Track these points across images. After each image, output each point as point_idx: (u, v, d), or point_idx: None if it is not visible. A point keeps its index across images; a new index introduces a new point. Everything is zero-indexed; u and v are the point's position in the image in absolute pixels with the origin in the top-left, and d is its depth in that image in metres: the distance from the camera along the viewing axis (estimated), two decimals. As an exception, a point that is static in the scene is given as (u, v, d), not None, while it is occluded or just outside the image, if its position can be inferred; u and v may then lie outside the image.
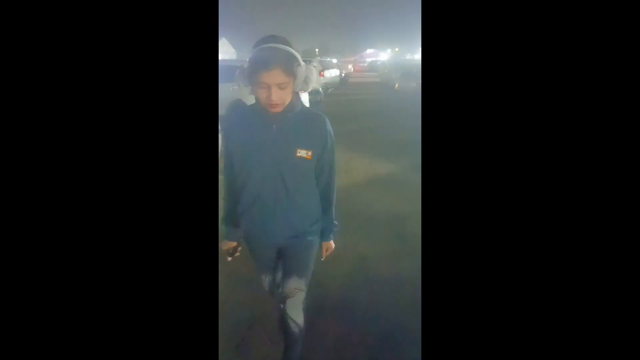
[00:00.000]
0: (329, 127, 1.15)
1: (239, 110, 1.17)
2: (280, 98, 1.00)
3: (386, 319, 1.79)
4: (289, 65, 0.98)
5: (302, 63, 1.02)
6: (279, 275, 1.33)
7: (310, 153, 1.11)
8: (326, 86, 12.79)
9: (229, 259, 1.37)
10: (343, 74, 18.47)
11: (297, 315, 1.26)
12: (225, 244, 1.33)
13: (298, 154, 1.10)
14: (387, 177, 4.05)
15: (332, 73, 14.63)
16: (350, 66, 27.83)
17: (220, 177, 1.11)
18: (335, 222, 1.33)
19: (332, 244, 1.36)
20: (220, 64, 6.87)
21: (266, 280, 1.39)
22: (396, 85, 14.33)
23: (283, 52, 0.97)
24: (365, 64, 33.89)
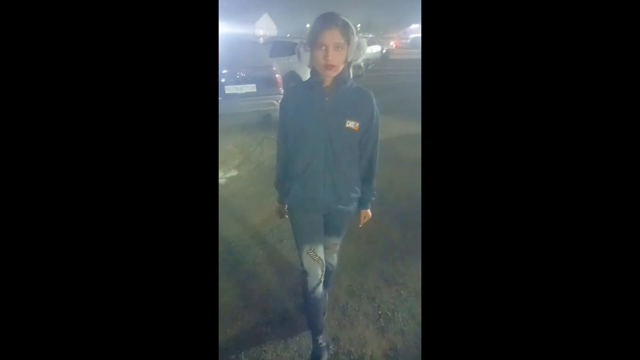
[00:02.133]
0: (375, 102, 1.25)
1: (296, 83, 1.34)
2: (336, 59, 1.12)
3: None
4: (345, 30, 1.10)
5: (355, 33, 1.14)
6: (321, 251, 1.37)
7: (357, 125, 1.22)
8: (367, 62, 13.41)
9: (281, 217, 1.53)
10: (384, 50, 18.83)
11: (332, 259, 1.54)
12: (278, 206, 1.50)
13: (347, 125, 1.21)
14: (417, 134, 4.94)
15: (373, 49, 15.17)
16: (392, 42, 27.64)
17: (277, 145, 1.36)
18: (375, 193, 1.43)
19: (369, 212, 1.47)
20: (272, 40, 7.77)
21: (311, 264, 1.35)
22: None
23: (340, 18, 1.11)
24: (408, 40, 33.28)
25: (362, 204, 1.42)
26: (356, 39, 1.14)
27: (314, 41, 1.11)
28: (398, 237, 2.48)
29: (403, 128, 5.23)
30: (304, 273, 1.35)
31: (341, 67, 1.16)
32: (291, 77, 6.90)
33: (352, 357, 1.57)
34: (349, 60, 1.17)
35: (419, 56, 19.11)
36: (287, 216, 1.47)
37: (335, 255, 1.54)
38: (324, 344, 1.51)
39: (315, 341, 1.50)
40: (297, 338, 1.65)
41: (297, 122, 1.25)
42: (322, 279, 1.37)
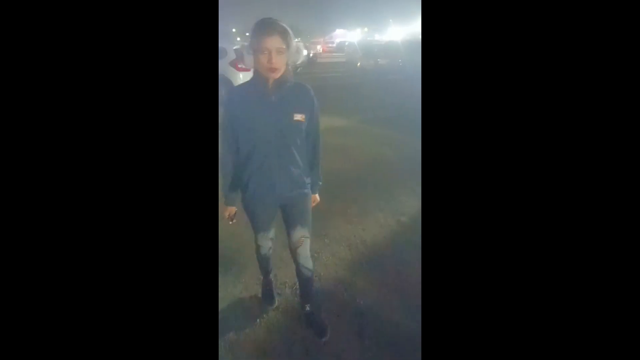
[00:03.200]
0: (313, 94, 1.37)
1: (239, 86, 1.35)
2: (278, 62, 1.21)
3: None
4: (284, 35, 1.19)
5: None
6: (273, 232, 1.59)
7: (303, 116, 1.33)
8: (295, 65, 13.98)
9: (231, 222, 1.55)
10: (311, 54, 19.68)
11: (307, 262, 1.58)
12: (227, 209, 1.50)
13: (295, 118, 1.31)
14: (340, 126, 5.58)
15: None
16: (318, 47, 28.71)
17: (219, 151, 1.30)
18: (321, 177, 1.57)
19: (317, 196, 1.60)
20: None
21: (264, 241, 1.61)
22: (358, 64, 15.82)
23: (280, 24, 1.20)
24: (334, 45, 34.75)
25: (311, 189, 1.52)
26: (294, 43, 1.25)
27: (257, 46, 1.20)
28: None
29: (329, 121, 5.85)
30: (258, 247, 1.65)
31: (283, 69, 1.26)
32: (223, 81, 7.15)
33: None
34: (289, 62, 1.28)
35: (344, 59, 20.48)
36: (235, 220, 1.54)
37: (309, 256, 1.58)
38: (273, 289, 1.90)
39: (266, 283, 1.89)
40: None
41: (244, 122, 1.31)
42: (271, 248, 1.67)
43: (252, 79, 1.31)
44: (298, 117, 1.33)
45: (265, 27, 1.19)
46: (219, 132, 1.24)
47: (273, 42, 1.19)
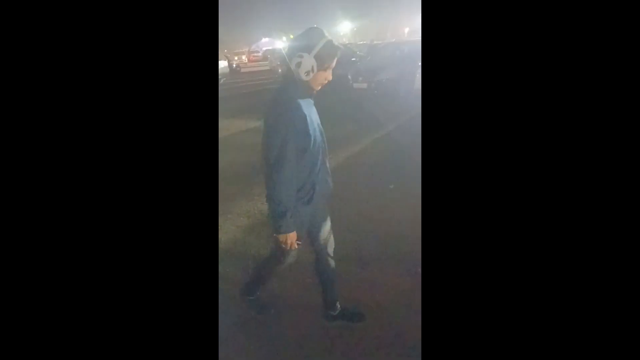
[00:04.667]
0: None
1: (295, 103, 1.26)
2: (327, 79, 1.32)
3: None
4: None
5: None
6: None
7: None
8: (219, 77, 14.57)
9: (298, 244, 1.41)
10: (234, 65, 20.34)
11: (333, 252, 1.60)
12: (289, 237, 1.35)
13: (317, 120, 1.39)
14: (254, 127, 6.35)
15: (221, 65, 16.54)
16: (244, 57, 28.94)
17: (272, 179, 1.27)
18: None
19: None
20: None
21: (293, 251, 1.46)
22: (279, 70, 16.81)
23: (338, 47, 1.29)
24: (260, 54, 35.05)
25: None
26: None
27: (324, 63, 1.25)
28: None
29: (247, 124, 6.58)
30: (288, 255, 1.51)
31: None
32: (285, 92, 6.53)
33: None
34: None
35: (268, 67, 21.02)
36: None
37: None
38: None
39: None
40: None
41: (306, 136, 1.28)
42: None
43: (300, 91, 1.30)
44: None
45: (333, 46, 1.27)
46: (284, 159, 1.24)
47: (334, 62, 1.29)
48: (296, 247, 1.40)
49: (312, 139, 1.30)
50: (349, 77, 8.14)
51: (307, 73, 1.24)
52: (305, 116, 1.26)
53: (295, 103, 1.26)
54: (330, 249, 1.59)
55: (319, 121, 1.39)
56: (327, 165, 1.45)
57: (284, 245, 1.37)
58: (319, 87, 1.33)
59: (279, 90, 1.33)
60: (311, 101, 1.36)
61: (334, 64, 1.30)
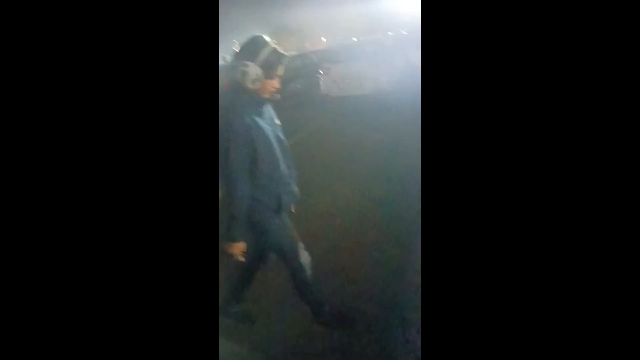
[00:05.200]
0: None
1: (237, 113, 1.27)
2: (277, 85, 1.33)
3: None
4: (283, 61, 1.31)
5: None
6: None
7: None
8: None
9: (243, 257, 1.39)
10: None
11: (308, 263, 1.54)
12: (238, 246, 1.35)
13: (277, 122, 1.43)
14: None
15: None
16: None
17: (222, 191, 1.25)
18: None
19: None
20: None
21: (301, 247, 1.51)
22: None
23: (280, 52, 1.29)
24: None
25: None
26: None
27: (270, 71, 1.26)
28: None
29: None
30: (303, 266, 1.51)
31: None
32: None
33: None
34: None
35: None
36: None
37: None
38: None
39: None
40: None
41: (251, 145, 1.27)
42: None
43: (251, 100, 1.31)
44: (277, 121, 1.45)
45: (279, 56, 1.28)
46: (229, 168, 1.25)
47: (282, 69, 1.30)
48: (242, 258, 1.39)
49: (263, 147, 1.30)
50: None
51: (254, 82, 1.25)
52: (249, 125, 1.26)
53: (237, 113, 1.26)
54: (304, 260, 1.53)
55: (276, 129, 1.40)
56: (292, 173, 1.46)
57: (228, 253, 1.35)
58: (269, 96, 1.34)
59: (224, 101, 1.28)
60: (264, 110, 1.36)
61: (281, 71, 1.31)
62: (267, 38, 1.29)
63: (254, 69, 1.23)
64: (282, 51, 1.28)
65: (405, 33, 8.81)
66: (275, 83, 1.31)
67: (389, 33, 10.90)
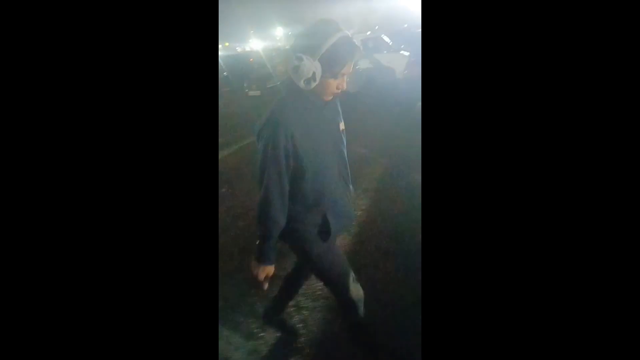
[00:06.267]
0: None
1: (274, 120, 1.01)
2: (342, 85, 1.03)
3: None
4: (355, 59, 1.02)
5: None
6: None
7: (343, 125, 1.15)
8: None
9: (266, 286, 1.15)
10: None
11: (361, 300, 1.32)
12: (266, 270, 1.10)
13: (340, 128, 1.14)
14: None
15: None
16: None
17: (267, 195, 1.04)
18: None
19: None
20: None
21: (352, 279, 1.24)
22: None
23: (357, 47, 1.00)
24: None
25: None
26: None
27: (334, 69, 0.97)
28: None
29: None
30: (355, 303, 1.25)
31: None
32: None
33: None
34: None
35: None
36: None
37: None
38: None
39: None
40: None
41: (286, 158, 1.02)
42: None
43: (306, 99, 1.04)
44: (342, 125, 1.16)
45: (348, 47, 0.97)
46: (269, 173, 1.02)
47: (350, 68, 1.01)
48: (265, 286, 1.14)
49: (309, 161, 1.03)
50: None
51: (308, 81, 0.96)
52: (287, 135, 0.99)
53: (274, 120, 1.00)
54: (355, 295, 1.25)
55: (336, 137, 1.13)
56: (346, 192, 1.18)
57: (253, 274, 1.11)
58: (330, 97, 1.06)
59: (273, 102, 1.08)
60: (323, 112, 1.08)
61: (349, 69, 1.01)
62: (337, 23, 0.98)
63: (309, 65, 0.94)
64: (354, 42, 0.99)
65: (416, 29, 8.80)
66: (340, 83, 1.02)
67: (395, 28, 10.88)
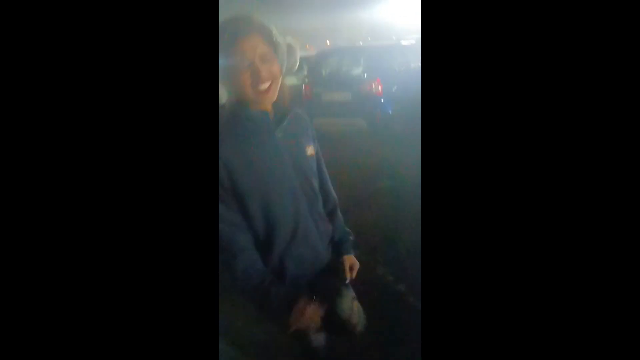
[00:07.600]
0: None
1: (230, 131, 0.81)
2: (270, 73, 0.78)
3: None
4: (267, 35, 0.78)
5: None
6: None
7: (312, 148, 0.93)
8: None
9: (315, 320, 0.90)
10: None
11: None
12: (306, 303, 0.86)
13: (308, 153, 0.92)
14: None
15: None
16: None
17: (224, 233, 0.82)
18: (348, 230, 1.06)
19: (353, 258, 1.03)
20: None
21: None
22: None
23: (256, 21, 0.78)
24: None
25: (341, 248, 1.03)
26: (282, 39, 0.82)
27: (231, 57, 0.76)
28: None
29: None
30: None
31: (279, 80, 0.83)
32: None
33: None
34: (282, 68, 0.83)
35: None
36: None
37: None
38: None
39: None
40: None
41: (262, 177, 0.84)
42: None
43: (245, 113, 0.84)
44: (309, 149, 0.94)
45: (234, 26, 0.77)
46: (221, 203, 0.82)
47: (253, 47, 0.78)
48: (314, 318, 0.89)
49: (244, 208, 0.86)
50: None
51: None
52: (254, 154, 0.84)
53: (232, 132, 0.84)
54: (317, 343, 1.04)
55: (305, 155, 0.93)
56: (325, 226, 0.99)
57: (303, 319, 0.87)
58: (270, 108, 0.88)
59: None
60: (284, 125, 0.89)
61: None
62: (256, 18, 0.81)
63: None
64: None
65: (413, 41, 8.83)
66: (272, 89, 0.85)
67: (393, 38, 10.79)
